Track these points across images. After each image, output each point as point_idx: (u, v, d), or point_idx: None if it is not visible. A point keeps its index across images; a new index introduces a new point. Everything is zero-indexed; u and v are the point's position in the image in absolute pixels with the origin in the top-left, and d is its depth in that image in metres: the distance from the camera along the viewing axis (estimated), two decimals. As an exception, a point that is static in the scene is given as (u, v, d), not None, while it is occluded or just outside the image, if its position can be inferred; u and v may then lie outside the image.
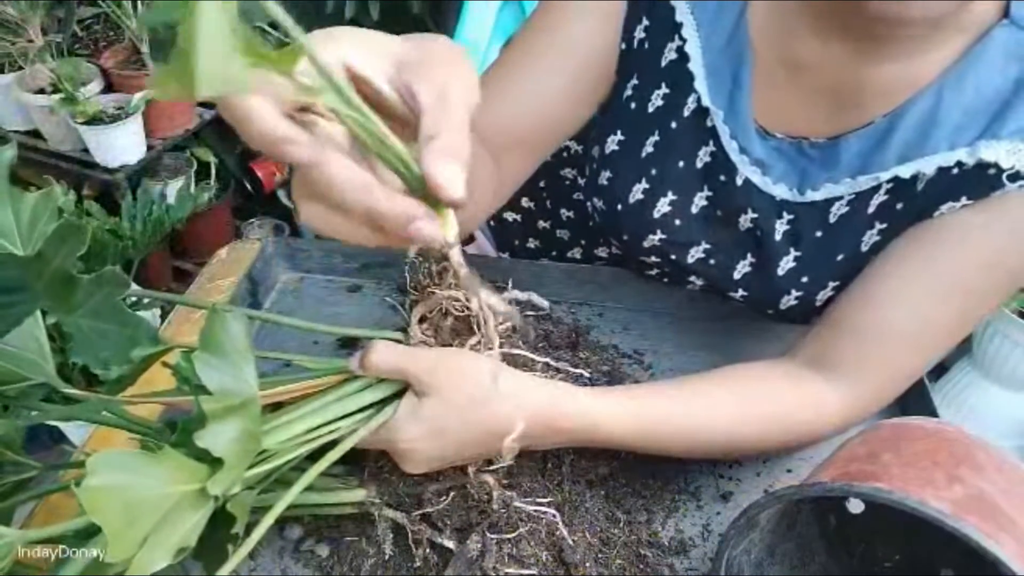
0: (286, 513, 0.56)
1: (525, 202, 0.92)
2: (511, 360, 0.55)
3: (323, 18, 1.82)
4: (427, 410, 0.48)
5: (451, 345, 0.55)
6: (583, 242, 0.86)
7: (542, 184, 0.89)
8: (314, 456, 0.47)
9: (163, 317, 0.91)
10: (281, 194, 2.03)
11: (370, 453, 0.54)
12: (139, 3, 1.59)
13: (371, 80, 0.37)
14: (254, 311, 0.71)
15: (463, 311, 0.56)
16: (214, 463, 0.38)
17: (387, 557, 0.53)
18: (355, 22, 1.82)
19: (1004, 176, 0.53)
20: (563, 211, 0.87)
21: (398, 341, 0.53)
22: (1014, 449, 1.38)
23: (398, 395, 0.50)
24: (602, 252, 0.85)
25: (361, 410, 0.49)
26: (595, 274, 0.79)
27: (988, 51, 0.54)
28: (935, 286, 0.56)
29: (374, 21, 1.81)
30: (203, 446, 0.37)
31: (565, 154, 0.84)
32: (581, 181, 0.81)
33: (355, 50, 0.37)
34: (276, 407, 0.48)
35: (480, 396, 0.49)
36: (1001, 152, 0.53)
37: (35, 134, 1.63)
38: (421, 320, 0.57)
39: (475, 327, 0.55)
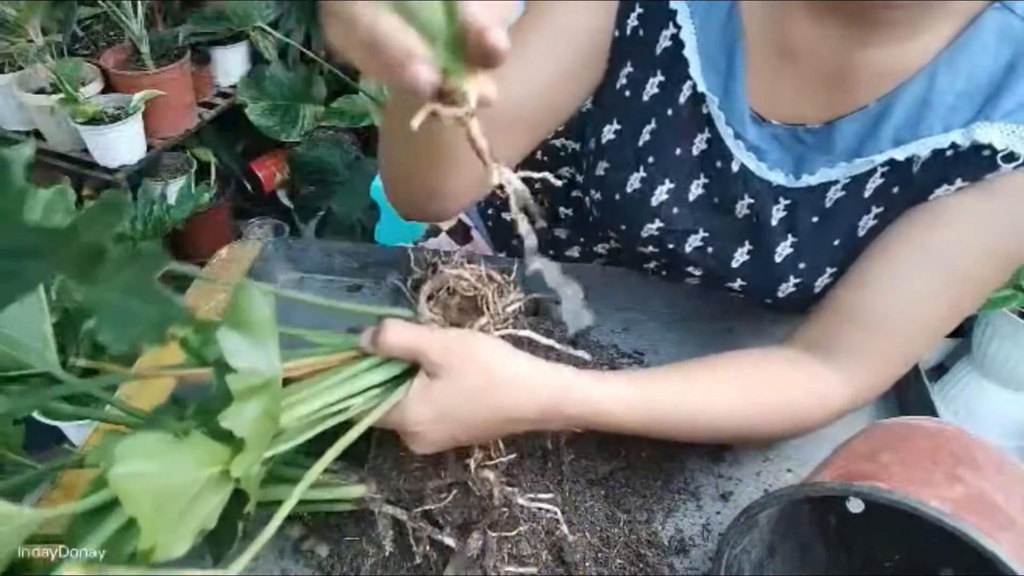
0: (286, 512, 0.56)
1: (524, 202, 0.91)
2: (516, 342, 0.55)
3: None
4: (438, 392, 0.49)
5: (459, 325, 0.54)
6: (582, 240, 0.86)
7: (537, 185, 0.89)
8: (316, 449, 0.47)
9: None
10: (281, 194, 2.03)
11: (371, 449, 0.54)
12: (139, 3, 1.59)
13: None
14: (272, 287, 0.71)
15: (470, 290, 0.55)
16: (235, 443, 0.38)
17: (387, 554, 0.53)
18: (355, 22, 1.82)
19: (999, 157, 0.53)
20: (561, 209, 0.87)
21: (407, 319, 0.53)
22: (1014, 449, 1.38)
23: (408, 374, 0.50)
24: (601, 249, 0.85)
25: (371, 388, 0.49)
26: (595, 274, 0.79)
27: (980, 35, 0.54)
28: (932, 269, 0.56)
29: (374, 21, 1.81)
30: (227, 427, 0.37)
31: (563, 153, 0.84)
32: (580, 178, 0.81)
33: None
34: (283, 384, 0.48)
35: (491, 381, 0.49)
36: (995, 133, 0.53)
37: (35, 134, 1.64)
38: (428, 298, 0.56)
39: (483, 307, 0.55)
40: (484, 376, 0.49)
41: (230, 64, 1.80)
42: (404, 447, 0.52)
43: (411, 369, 0.50)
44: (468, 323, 0.54)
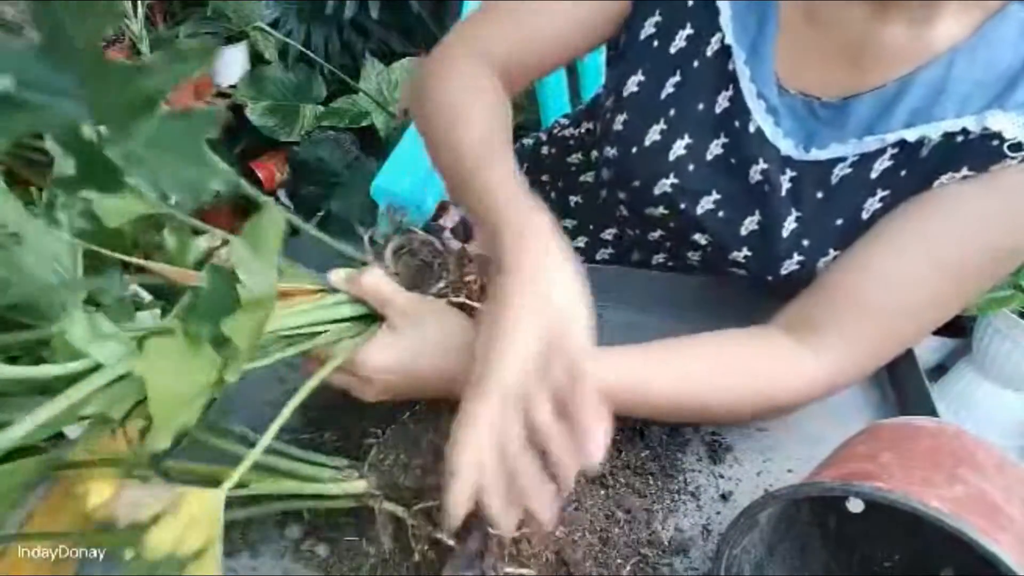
0: (286, 511, 0.56)
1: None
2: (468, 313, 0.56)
3: (323, 18, 1.82)
4: (397, 342, 0.51)
5: (415, 287, 0.55)
6: (590, 227, 0.87)
7: (545, 178, 0.90)
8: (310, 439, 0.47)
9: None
10: (281, 194, 2.03)
11: (370, 449, 0.54)
12: (139, 3, 1.59)
13: None
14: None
15: (433, 256, 0.56)
16: (226, 350, 0.41)
17: (384, 549, 0.53)
18: (355, 22, 1.82)
19: (1006, 146, 0.54)
20: (571, 198, 0.87)
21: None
22: (1014, 449, 1.38)
23: (369, 320, 0.53)
24: (607, 235, 0.85)
25: (338, 321, 0.52)
26: (596, 274, 0.78)
27: (1003, 27, 0.56)
28: (925, 258, 0.57)
29: (374, 21, 1.81)
30: (228, 333, 0.40)
31: (571, 142, 0.85)
32: (593, 155, 0.82)
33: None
34: None
35: (450, 344, 0.51)
36: (1007, 123, 0.54)
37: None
38: (394, 252, 0.58)
39: (441, 273, 0.56)
40: (443, 337, 0.52)
41: (230, 64, 1.80)
42: (405, 443, 0.53)
43: (373, 317, 0.53)
44: (425, 285, 0.55)
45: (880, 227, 0.60)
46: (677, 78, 0.67)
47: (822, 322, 0.59)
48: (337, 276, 0.53)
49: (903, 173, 0.59)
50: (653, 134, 0.68)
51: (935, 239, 0.57)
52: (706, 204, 0.68)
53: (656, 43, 0.67)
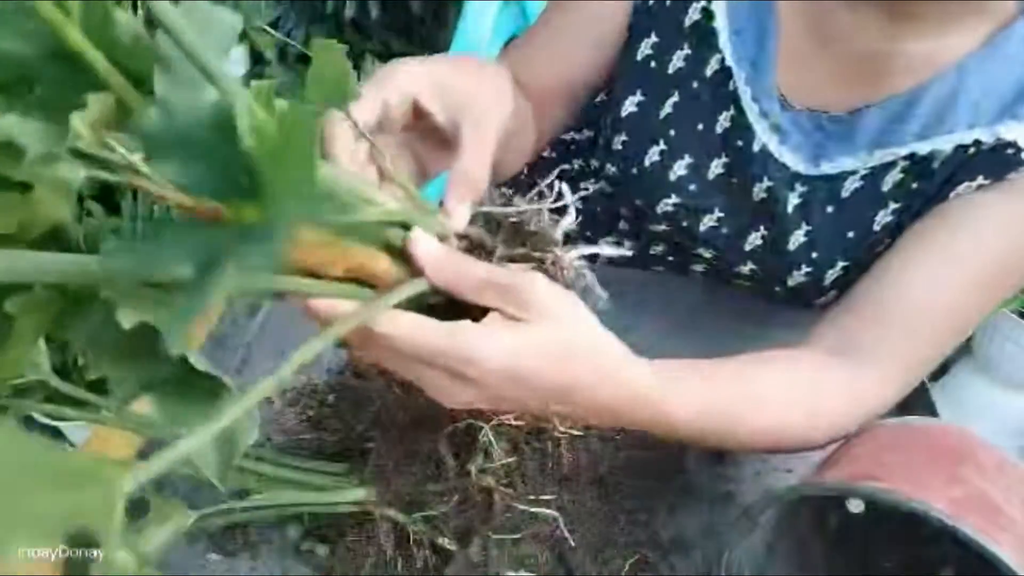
0: (286, 513, 0.56)
1: (526, 203, 0.92)
2: None
3: (323, 18, 1.82)
4: (530, 336, 0.38)
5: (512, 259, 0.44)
6: (588, 234, 0.86)
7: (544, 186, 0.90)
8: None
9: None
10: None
11: (371, 452, 0.54)
12: (139, 3, 1.60)
13: (432, 115, 0.46)
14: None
15: (530, 223, 0.47)
16: None
17: (388, 557, 0.53)
18: (355, 22, 1.82)
19: (1023, 155, 0.54)
20: None
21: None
22: (1014, 449, 1.38)
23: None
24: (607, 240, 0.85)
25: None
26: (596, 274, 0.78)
27: (1012, 41, 0.55)
28: (955, 268, 0.56)
29: (374, 21, 1.81)
30: None
31: (572, 146, 0.85)
32: (594, 163, 0.82)
33: (417, 85, 0.46)
34: None
35: (592, 348, 0.42)
36: (1020, 132, 0.54)
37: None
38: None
39: (543, 247, 0.47)
40: (588, 340, 0.41)
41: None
42: (405, 449, 0.52)
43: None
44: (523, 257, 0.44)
45: (906, 243, 0.59)
46: (676, 98, 0.66)
47: (866, 345, 0.56)
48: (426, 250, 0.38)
49: (915, 186, 0.59)
50: (653, 155, 0.68)
51: (962, 250, 0.56)
52: (708, 221, 0.68)
53: (653, 64, 0.66)
